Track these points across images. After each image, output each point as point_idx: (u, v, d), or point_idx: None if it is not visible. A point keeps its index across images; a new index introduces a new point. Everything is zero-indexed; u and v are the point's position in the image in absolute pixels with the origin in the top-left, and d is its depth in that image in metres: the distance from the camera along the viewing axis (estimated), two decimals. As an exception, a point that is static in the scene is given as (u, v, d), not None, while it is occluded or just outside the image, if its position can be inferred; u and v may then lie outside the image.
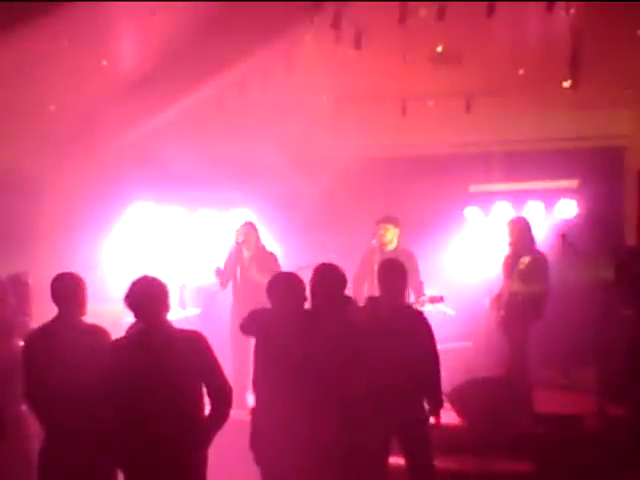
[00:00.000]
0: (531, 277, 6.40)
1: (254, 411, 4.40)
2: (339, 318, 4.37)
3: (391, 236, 6.95)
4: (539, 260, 6.46)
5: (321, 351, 4.15)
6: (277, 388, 4.14)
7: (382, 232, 6.94)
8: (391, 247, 6.95)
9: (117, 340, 3.98)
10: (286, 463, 4.12)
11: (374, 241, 7.00)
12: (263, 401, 4.32)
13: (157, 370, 3.74)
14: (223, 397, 3.92)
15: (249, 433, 4.38)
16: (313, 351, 4.15)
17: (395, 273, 4.82)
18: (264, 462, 4.31)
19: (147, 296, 3.85)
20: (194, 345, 3.87)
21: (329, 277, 4.44)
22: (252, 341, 6.96)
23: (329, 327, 4.27)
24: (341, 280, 4.45)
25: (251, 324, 4.52)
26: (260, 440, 4.31)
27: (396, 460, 4.72)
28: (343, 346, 4.23)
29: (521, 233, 6.70)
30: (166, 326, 3.90)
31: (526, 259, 6.39)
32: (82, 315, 4.15)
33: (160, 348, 3.79)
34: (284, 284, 4.39)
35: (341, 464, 4.31)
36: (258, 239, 7.08)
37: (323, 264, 4.54)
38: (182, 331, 3.94)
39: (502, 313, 6.66)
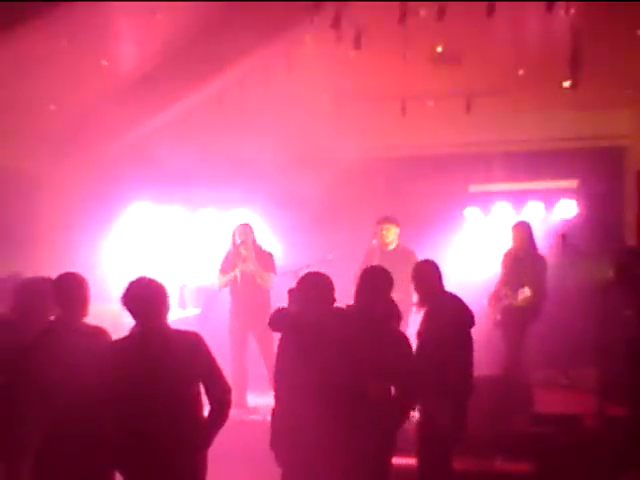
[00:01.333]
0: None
1: (275, 412, 4.30)
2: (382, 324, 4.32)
3: (392, 236, 6.97)
4: (539, 271, 6.49)
5: (357, 356, 4.10)
6: (304, 389, 4.04)
7: (384, 232, 6.95)
8: (392, 247, 6.96)
9: (116, 342, 3.96)
10: (310, 465, 4.05)
11: (374, 241, 7.00)
12: (286, 401, 4.21)
13: (155, 372, 3.72)
14: (223, 398, 3.90)
15: (270, 432, 4.28)
16: (348, 355, 4.09)
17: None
18: (287, 463, 4.21)
19: (144, 298, 3.81)
20: (193, 346, 3.85)
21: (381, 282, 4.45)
22: (251, 342, 7.00)
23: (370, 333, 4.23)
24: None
25: (281, 320, 4.43)
26: (282, 440, 4.22)
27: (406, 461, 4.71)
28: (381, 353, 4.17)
29: (524, 238, 6.72)
30: (164, 328, 3.87)
31: (524, 293, 6.41)
32: (84, 316, 4.11)
33: (158, 350, 3.77)
34: (314, 282, 4.32)
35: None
36: (255, 239, 7.08)
37: (373, 267, 4.67)
38: (180, 332, 3.92)
39: (498, 317, 6.67)
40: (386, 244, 6.96)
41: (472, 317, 4.79)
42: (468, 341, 4.73)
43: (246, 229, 7.04)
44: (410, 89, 6.90)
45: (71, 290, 4.06)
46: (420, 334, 4.73)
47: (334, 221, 8.19)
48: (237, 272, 6.91)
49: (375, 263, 6.57)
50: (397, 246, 6.98)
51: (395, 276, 4.49)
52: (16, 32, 5.14)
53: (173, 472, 3.74)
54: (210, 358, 3.89)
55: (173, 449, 3.71)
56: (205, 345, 3.90)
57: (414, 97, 6.99)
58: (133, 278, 3.89)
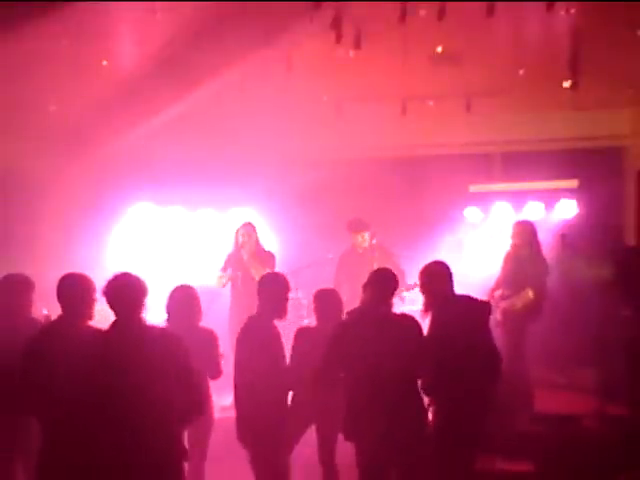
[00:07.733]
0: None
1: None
2: None
3: (367, 239, 7.11)
4: (541, 272, 6.50)
5: None
6: None
7: (360, 240, 7.08)
8: (364, 245, 7.09)
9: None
10: None
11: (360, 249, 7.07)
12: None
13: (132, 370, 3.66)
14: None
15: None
16: None
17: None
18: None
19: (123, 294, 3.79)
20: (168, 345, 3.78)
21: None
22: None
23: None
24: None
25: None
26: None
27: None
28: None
29: (525, 237, 6.71)
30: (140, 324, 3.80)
31: (527, 296, 6.42)
32: (89, 318, 4.05)
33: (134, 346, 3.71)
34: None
35: None
36: (258, 239, 7.08)
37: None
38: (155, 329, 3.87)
39: (498, 317, 6.68)
40: (361, 246, 7.08)
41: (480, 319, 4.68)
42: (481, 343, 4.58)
43: (249, 229, 7.04)
44: (410, 89, 6.91)
45: (73, 292, 4.00)
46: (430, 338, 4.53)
47: (334, 221, 8.20)
48: (239, 274, 6.91)
49: (352, 265, 6.71)
50: (369, 245, 7.09)
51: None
52: (17, 32, 5.14)
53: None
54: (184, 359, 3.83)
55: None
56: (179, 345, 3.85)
57: (414, 97, 7.00)
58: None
